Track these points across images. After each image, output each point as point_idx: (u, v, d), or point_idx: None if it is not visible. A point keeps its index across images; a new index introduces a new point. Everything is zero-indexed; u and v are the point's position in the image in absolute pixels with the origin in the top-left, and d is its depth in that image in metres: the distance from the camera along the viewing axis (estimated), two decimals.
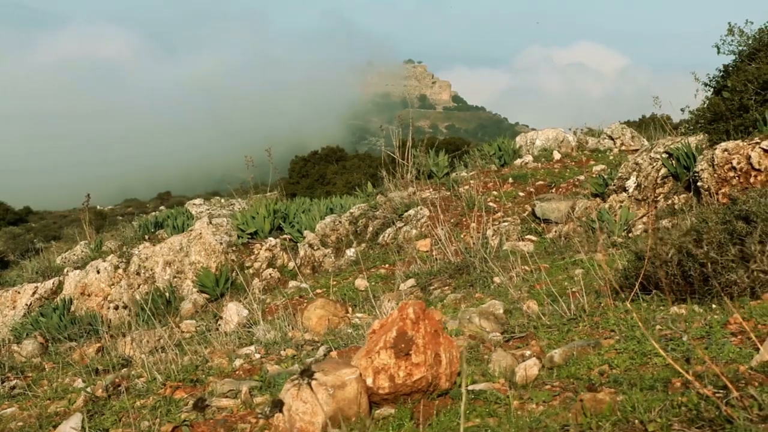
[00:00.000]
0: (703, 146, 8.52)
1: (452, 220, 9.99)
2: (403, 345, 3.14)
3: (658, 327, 3.70)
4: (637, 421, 2.43)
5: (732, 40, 9.71)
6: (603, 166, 11.37)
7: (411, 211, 10.47)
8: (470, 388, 3.29)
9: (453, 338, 4.39)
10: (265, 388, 4.04)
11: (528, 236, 9.17)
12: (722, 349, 3.13)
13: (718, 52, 9.81)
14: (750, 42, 9.53)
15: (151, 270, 10.89)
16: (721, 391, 2.39)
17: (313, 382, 2.96)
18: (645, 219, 8.42)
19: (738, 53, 9.66)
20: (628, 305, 4.10)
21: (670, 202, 8.63)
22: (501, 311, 5.12)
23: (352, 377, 3.04)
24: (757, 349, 2.94)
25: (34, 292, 11.24)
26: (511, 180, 11.35)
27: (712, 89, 9.88)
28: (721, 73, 9.77)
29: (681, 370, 2.34)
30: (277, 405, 2.90)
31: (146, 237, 13.33)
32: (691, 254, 4.26)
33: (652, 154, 9.26)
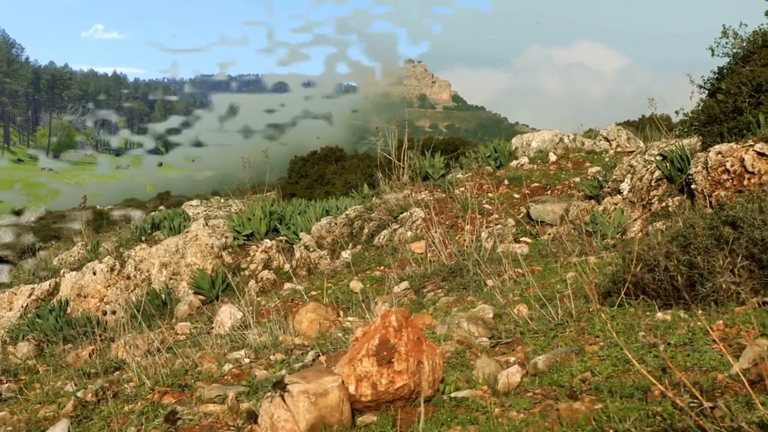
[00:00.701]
0: (696, 149, 8.53)
1: (447, 222, 10.00)
2: (385, 353, 3.15)
3: (642, 333, 3.71)
4: (611, 431, 2.44)
5: (726, 43, 9.71)
6: (598, 168, 11.36)
7: (406, 213, 10.48)
8: (453, 395, 3.31)
9: (441, 343, 4.41)
10: (252, 393, 4.06)
11: (523, 238, 9.16)
12: (703, 356, 3.14)
13: (713, 55, 9.81)
14: (744, 44, 9.53)
15: (147, 272, 10.91)
16: (696, 400, 2.40)
17: (295, 390, 2.98)
18: (639, 222, 8.43)
19: (732, 56, 9.66)
20: (607, 312, 4.11)
21: (664, 204, 8.63)
22: (490, 315, 5.12)
23: (335, 385, 3.06)
24: (738, 357, 2.95)
25: (30, 294, 11.27)
26: (506, 182, 11.36)
27: (706, 91, 9.87)
28: (716, 76, 9.77)
29: (653, 380, 2.36)
30: (251, 417, 2.92)
31: (143, 238, 13.34)
32: (677, 260, 4.27)
33: (646, 157, 9.27)
